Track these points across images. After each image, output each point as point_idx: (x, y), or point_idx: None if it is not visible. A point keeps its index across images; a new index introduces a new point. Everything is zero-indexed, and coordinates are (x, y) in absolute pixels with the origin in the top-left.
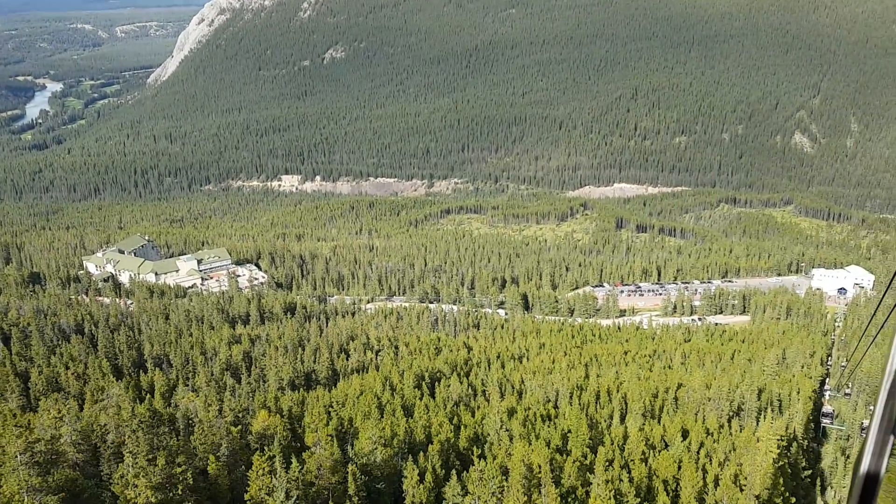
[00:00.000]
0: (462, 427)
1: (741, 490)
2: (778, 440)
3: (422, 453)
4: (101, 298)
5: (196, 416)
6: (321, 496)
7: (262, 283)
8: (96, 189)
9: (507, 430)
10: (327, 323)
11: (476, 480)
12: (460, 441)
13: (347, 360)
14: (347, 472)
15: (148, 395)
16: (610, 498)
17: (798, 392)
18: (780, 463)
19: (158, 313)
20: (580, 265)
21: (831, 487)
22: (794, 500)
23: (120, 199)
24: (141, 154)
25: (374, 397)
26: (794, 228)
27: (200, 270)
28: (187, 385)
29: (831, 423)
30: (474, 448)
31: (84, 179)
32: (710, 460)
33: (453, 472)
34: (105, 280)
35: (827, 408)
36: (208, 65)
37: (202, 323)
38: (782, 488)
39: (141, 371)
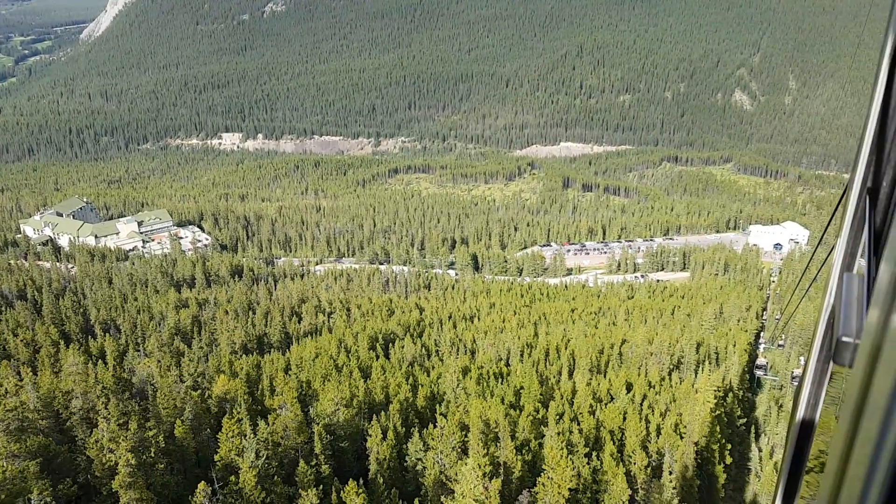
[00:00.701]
0: (419, 387)
1: (681, 438)
2: (715, 391)
3: (382, 413)
4: (40, 263)
5: (154, 382)
6: (288, 455)
7: (205, 246)
8: (30, 150)
9: (463, 389)
10: (276, 285)
11: (438, 436)
12: (418, 400)
13: (300, 323)
14: (313, 433)
15: (100, 361)
16: (563, 448)
17: (734, 345)
18: (717, 412)
19: (102, 277)
20: (528, 225)
21: (765, 434)
22: (729, 446)
23: (55, 160)
24: (76, 113)
25: (329, 360)
26: (732, 186)
27: (141, 233)
28: (138, 350)
29: (765, 374)
30: (434, 406)
31: (17, 140)
32: (653, 411)
33: (414, 429)
34: (44, 244)
35: (761, 360)
36: (143, 20)
37: (146, 287)
38: (719, 435)
39: (90, 337)
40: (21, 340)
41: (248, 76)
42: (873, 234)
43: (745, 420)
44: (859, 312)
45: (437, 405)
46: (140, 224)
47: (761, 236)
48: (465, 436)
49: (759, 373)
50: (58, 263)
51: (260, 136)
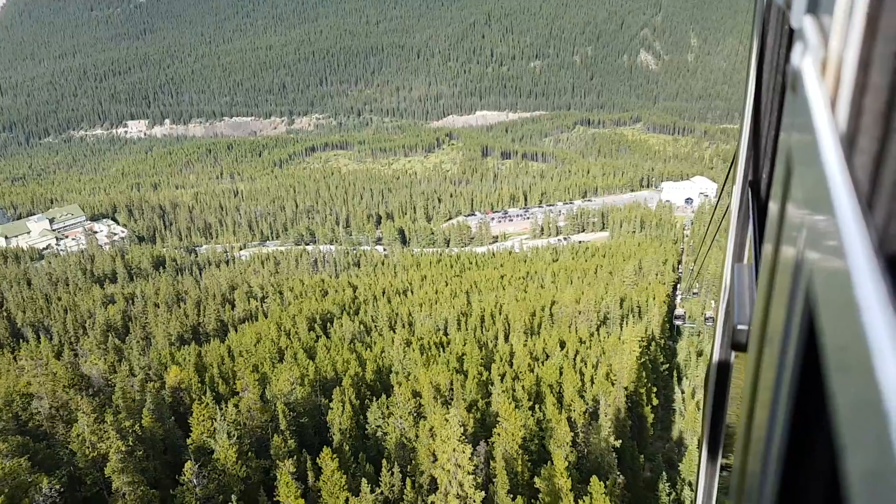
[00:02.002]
0: (367, 362)
1: (613, 385)
2: (639, 341)
3: (337, 388)
4: None
5: (109, 378)
6: (255, 434)
7: (122, 238)
8: None
9: (409, 360)
10: (201, 274)
11: (396, 404)
12: (367, 374)
13: (233, 310)
14: (277, 411)
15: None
16: (510, 404)
17: (654, 298)
18: (643, 360)
19: (20, 279)
20: (451, 196)
21: (686, 378)
22: (655, 389)
23: None
24: None
25: (272, 343)
26: (643, 145)
27: (54, 230)
28: (73, 350)
29: (684, 323)
30: (383, 379)
31: None
32: (586, 364)
33: (367, 401)
34: None
35: (679, 310)
36: (33, 8)
37: (67, 285)
38: (645, 381)
39: (21, 340)
40: None
41: (150, 61)
42: (757, 225)
43: (667, 366)
44: (750, 300)
45: (386, 377)
46: (52, 221)
47: (673, 192)
48: (418, 402)
49: (678, 322)
50: None
51: (167, 121)
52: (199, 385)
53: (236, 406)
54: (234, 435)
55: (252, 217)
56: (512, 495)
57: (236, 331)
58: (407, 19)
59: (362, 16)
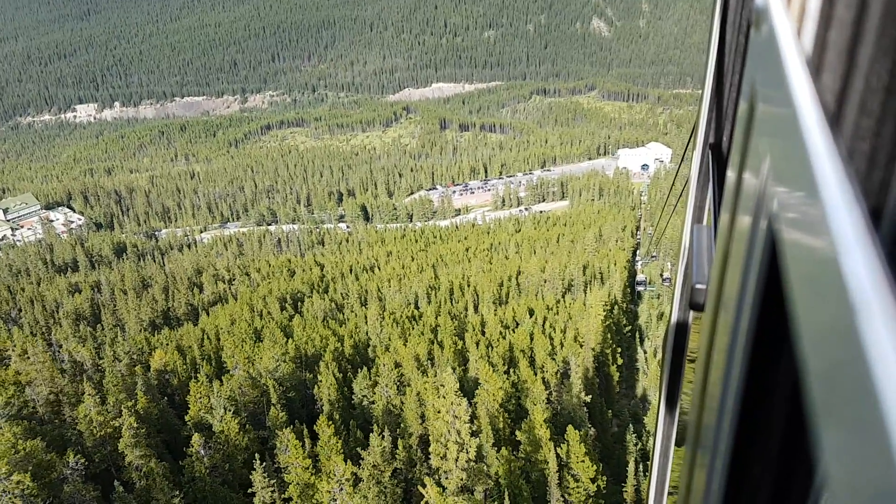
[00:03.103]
0: (343, 337)
1: (581, 346)
2: (603, 305)
3: (321, 362)
4: None
5: (98, 364)
6: (248, 408)
7: (80, 226)
8: None
9: (385, 333)
10: (163, 259)
11: (381, 374)
12: (345, 349)
13: (202, 293)
14: (267, 387)
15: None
16: (488, 369)
17: (615, 264)
18: (607, 322)
19: None
20: (412, 170)
21: (648, 338)
22: (619, 350)
23: None
24: None
25: (247, 324)
26: (599, 113)
27: (8, 220)
28: (46, 340)
29: (644, 288)
30: (361, 353)
31: None
32: (554, 329)
33: (350, 374)
34: None
35: (640, 276)
36: None
37: (29, 276)
38: (610, 342)
39: None
40: None
41: (96, 42)
42: (717, 187)
43: (630, 328)
44: (709, 261)
45: (364, 351)
46: (6, 211)
47: (629, 159)
48: (400, 372)
49: (639, 287)
50: None
51: (117, 104)
52: (185, 366)
53: (228, 382)
54: (230, 409)
55: (211, 199)
56: (496, 448)
57: (208, 314)
58: None
59: None
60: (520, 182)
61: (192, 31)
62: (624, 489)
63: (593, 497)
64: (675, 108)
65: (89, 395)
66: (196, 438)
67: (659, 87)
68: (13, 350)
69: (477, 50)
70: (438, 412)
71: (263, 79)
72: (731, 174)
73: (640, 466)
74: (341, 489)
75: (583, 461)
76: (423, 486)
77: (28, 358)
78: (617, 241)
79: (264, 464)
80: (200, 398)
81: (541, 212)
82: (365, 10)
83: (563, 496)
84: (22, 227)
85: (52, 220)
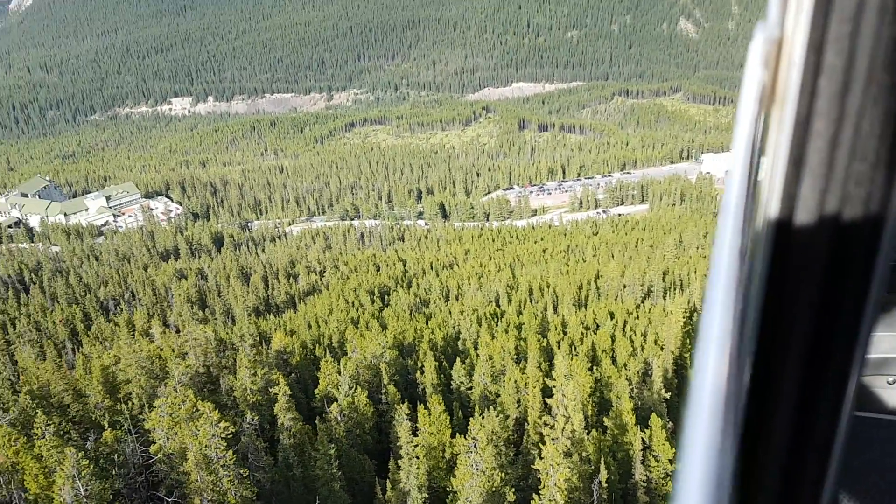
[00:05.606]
0: (435, 329)
1: (661, 349)
2: (683, 312)
3: (419, 351)
4: (13, 245)
5: (209, 345)
6: (363, 385)
7: (178, 215)
8: None
9: (473, 329)
10: (258, 249)
11: (478, 363)
12: (438, 341)
13: (297, 283)
14: (380, 369)
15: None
16: (577, 362)
17: (695, 271)
18: (686, 328)
19: (90, 255)
20: (489, 169)
21: None
22: None
23: (2, 139)
24: (16, 88)
25: (344, 314)
26: (683, 115)
27: (111, 207)
28: (163, 322)
29: None
30: (452, 345)
31: None
32: (635, 332)
33: (445, 364)
34: (12, 226)
35: None
36: None
37: (133, 261)
38: (689, 346)
39: (109, 313)
40: (61, 321)
41: (192, 38)
42: None
43: None
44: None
45: (454, 343)
46: (108, 199)
47: (714, 164)
48: (492, 363)
49: None
50: (31, 245)
51: (210, 98)
52: (301, 349)
53: (346, 364)
54: (353, 386)
55: (299, 193)
56: (587, 431)
57: (305, 303)
58: None
59: None
60: (598, 184)
61: (283, 29)
62: None
63: (670, 475)
64: None
65: (245, 366)
66: (335, 406)
67: None
68: (157, 329)
69: (559, 50)
70: (519, 406)
71: (349, 77)
72: None
73: None
74: (475, 445)
75: (664, 444)
76: (540, 445)
77: (166, 335)
78: (698, 248)
79: (405, 422)
80: (329, 374)
81: (619, 215)
82: (449, 11)
83: (645, 473)
84: (123, 213)
85: (152, 209)
